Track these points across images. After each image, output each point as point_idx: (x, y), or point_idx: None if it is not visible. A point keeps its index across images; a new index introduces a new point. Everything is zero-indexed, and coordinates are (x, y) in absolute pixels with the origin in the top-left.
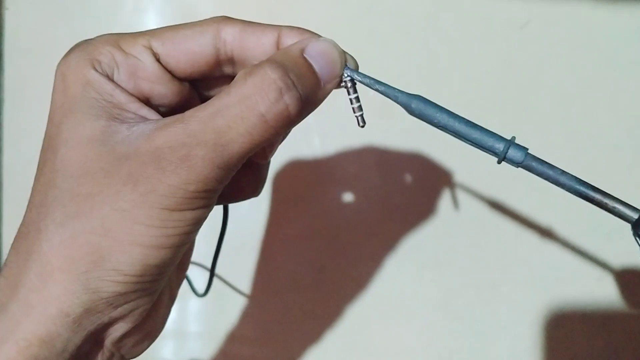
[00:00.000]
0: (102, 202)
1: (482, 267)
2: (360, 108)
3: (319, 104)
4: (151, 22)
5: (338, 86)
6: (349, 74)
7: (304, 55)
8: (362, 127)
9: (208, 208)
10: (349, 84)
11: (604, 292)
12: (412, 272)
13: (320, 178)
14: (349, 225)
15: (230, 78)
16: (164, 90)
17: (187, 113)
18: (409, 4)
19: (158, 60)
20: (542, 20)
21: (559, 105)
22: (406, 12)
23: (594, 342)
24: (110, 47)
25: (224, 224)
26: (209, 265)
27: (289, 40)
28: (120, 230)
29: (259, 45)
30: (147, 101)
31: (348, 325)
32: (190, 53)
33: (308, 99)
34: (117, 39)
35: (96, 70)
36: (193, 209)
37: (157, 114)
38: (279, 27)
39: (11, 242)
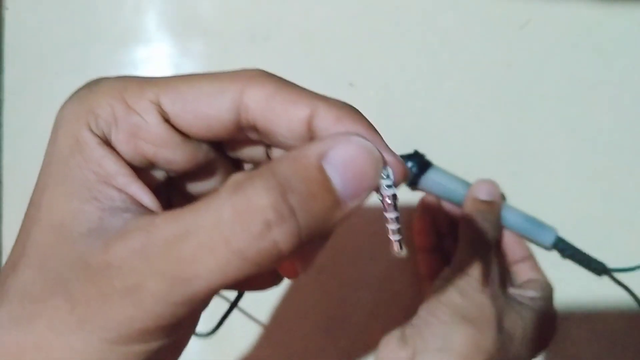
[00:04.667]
0: (40, 315)
1: None
2: (400, 231)
3: (336, 228)
4: (151, 22)
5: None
6: (389, 184)
7: (322, 164)
8: (401, 255)
9: (170, 338)
10: (389, 200)
11: (605, 292)
12: (412, 273)
13: None
14: (348, 225)
15: (261, 142)
16: (171, 155)
17: (159, 219)
18: (409, 4)
19: (167, 119)
20: (542, 20)
21: (559, 105)
22: (406, 12)
23: (595, 343)
24: (111, 99)
25: (238, 297)
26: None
27: (323, 122)
28: (53, 357)
29: (286, 120)
30: (151, 166)
31: (348, 325)
32: (203, 117)
33: (314, 228)
34: (123, 88)
35: (89, 129)
36: (145, 342)
37: (149, 192)
38: (316, 99)
39: (11, 242)
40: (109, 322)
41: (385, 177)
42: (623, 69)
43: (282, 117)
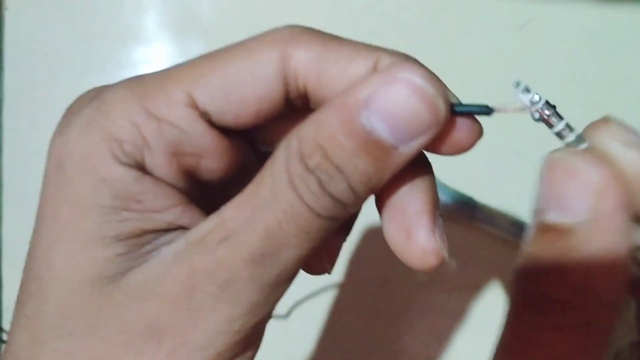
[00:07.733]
0: None
1: (485, 267)
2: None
3: (399, 168)
4: (151, 22)
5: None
6: (535, 98)
7: (366, 113)
8: None
9: (255, 345)
10: (547, 112)
11: None
12: (412, 272)
13: None
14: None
15: (297, 115)
16: (215, 164)
17: (227, 213)
18: (409, 4)
19: (209, 121)
20: (542, 20)
21: (559, 105)
22: (406, 11)
23: None
24: (132, 115)
25: None
26: None
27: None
28: None
29: (346, 80)
30: (186, 179)
31: (348, 325)
32: (252, 101)
33: (368, 178)
34: (140, 97)
35: (117, 162)
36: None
37: (200, 212)
38: (376, 50)
39: (11, 242)
40: (207, 336)
41: (531, 98)
42: (623, 69)
43: (339, 77)
